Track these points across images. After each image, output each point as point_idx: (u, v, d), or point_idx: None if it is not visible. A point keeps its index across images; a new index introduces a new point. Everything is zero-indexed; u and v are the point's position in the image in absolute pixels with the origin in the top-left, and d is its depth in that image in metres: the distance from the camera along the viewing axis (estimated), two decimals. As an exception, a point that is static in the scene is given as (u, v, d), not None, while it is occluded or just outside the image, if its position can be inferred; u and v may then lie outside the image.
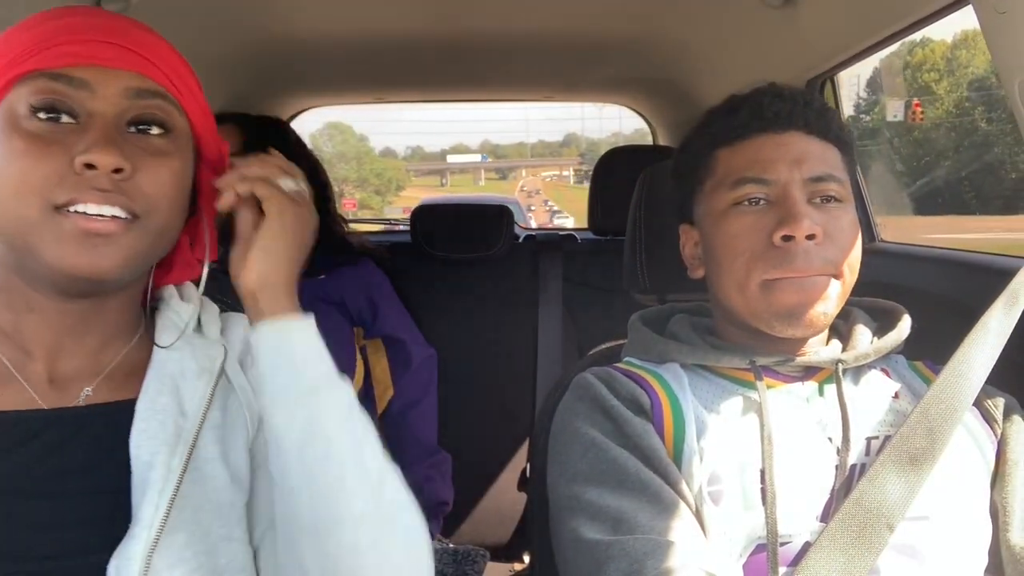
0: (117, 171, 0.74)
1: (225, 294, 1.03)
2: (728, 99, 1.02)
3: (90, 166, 0.73)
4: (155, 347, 0.84)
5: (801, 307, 0.91)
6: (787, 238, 0.90)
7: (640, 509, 0.85)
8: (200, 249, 0.91)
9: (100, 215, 0.74)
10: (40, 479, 0.75)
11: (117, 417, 0.79)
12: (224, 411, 0.82)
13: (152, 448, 0.76)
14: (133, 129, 0.78)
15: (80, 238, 0.74)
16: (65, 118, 0.75)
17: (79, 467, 0.77)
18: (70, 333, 0.82)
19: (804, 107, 0.97)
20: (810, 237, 0.90)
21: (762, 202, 0.94)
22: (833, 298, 0.93)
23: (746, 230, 0.93)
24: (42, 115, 0.75)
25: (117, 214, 0.75)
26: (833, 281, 0.92)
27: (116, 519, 0.74)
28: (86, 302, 0.81)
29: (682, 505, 0.86)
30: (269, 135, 1.81)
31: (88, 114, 0.76)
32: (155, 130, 0.79)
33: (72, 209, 0.74)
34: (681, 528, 0.84)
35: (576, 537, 0.87)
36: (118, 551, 0.72)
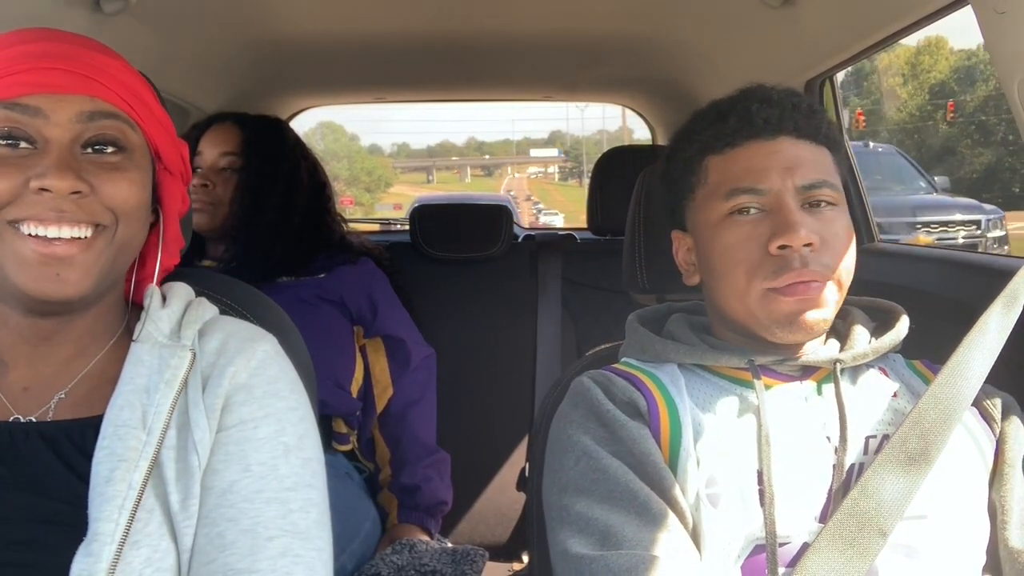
0: (75, 193, 0.77)
1: (226, 294, 1.03)
2: (714, 104, 1.01)
3: (46, 190, 0.76)
4: (127, 359, 0.84)
5: (800, 315, 0.92)
6: (784, 247, 0.91)
7: (627, 522, 0.85)
8: (167, 256, 0.93)
9: (59, 238, 0.77)
10: (12, 481, 0.77)
11: (83, 433, 0.80)
12: (180, 430, 0.81)
13: (111, 464, 0.77)
14: (89, 150, 0.81)
15: (41, 263, 0.77)
16: (23, 144, 0.78)
17: (47, 475, 0.78)
18: (46, 344, 0.84)
19: (793, 111, 0.96)
20: (807, 245, 0.91)
21: (755, 211, 0.94)
22: (831, 304, 0.93)
23: (742, 240, 0.94)
24: (0, 142, 0.78)
25: (76, 235, 0.78)
26: (830, 286, 0.92)
27: (82, 524, 0.75)
28: (60, 317, 0.83)
29: (671, 516, 0.86)
30: (268, 135, 1.82)
31: (44, 140, 0.78)
32: (110, 149, 0.82)
33: (29, 232, 0.76)
34: (668, 541, 0.84)
35: (564, 550, 0.87)
36: (80, 566, 0.72)
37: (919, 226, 8.74)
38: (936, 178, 10.56)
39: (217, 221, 1.73)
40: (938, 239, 8.65)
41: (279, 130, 1.87)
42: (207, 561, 0.77)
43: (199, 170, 1.75)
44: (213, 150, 1.76)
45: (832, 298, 0.93)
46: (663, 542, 0.84)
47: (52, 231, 0.77)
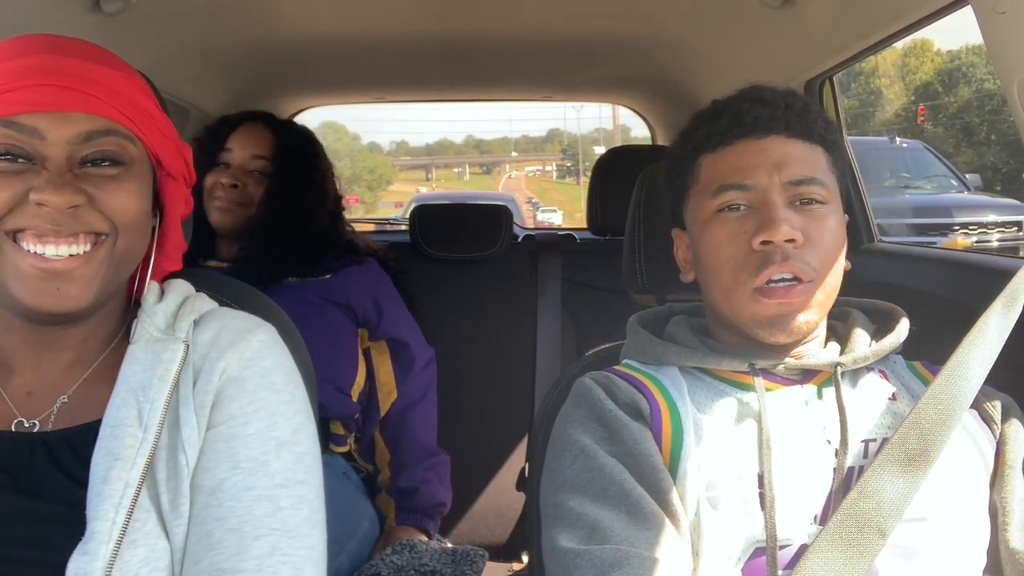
0: (73, 207, 0.77)
1: (226, 294, 1.03)
2: (711, 104, 1.03)
3: (43, 205, 0.76)
4: (124, 358, 0.84)
5: (781, 317, 0.92)
6: (766, 243, 0.91)
7: (617, 519, 0.85)
8: (167, 260, 0.93)
9: (57, 255, 0.77)
10: (13, 482, 0.78)
11: (83, 439, 0.80)
12: (171, 428, 0.81)
13: (107, 463, 0.76)
14: (88, 164, 0.80)
15: (40, 278, 0.77)
16: (21, 160, 0.78)
17: (47, 477, 0.79)
18: (49, 350, 0.84)
19: (785, 110, 0.97)
20: (789, 241, 0.91)
21: (743, 208, 0.95)
22: (815, 307, 0.93)
23: (728, 237, 0.94)
24: None
25: (74, 251, 0.78)
26: (814, 287, 0.93)
27: (81, 523, 0.75)
28: (62, 325, 0.83)
29: (662, 517, 0.86)
30: (300, 143, 1.84)
31: (42, 158, 0.78)
32: (107, 163, 0.81)
33: (28, 248, 0.76)
34: (655, 541, 0.84)
35: (552, 545, 0.87)
36: (76, 565, 0.72)
37: (956, 227, 8.17)
38: (967, 176, 10.06)
39: (239, 221, 1.74)
40: (977, 242, 8.00)
41: (311, 140, 1.89)
42: (195, 561, 0.76)
43: (226, 166, 1.76)
44: (244, 151, 1.77)
45: (815, 300, 0.93)
46: (651, 541, 0.83)
47: (50, 250, 0.77)
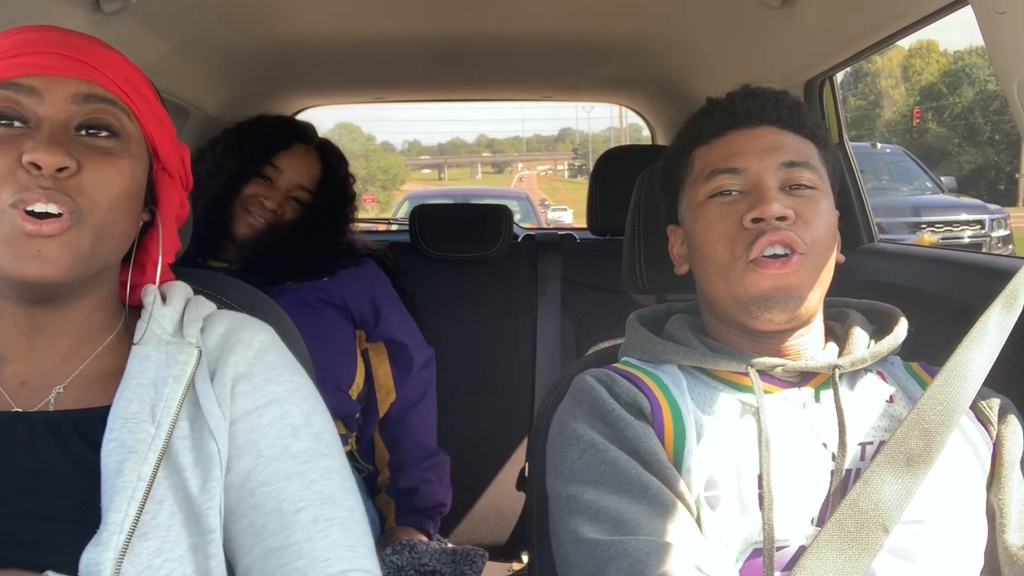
0: (61, 169, 0.77)
1: (225, 294, 1.03)
2: (707, 101, 1.05)
3: (35, 165, 0.76)
4: (131, 354, 0.84)
5: (777, 291, 0.92)
6: (757, 220, 0.92)
7: (640, 511, 0.85)
8: (165, 255, 0.92)
9: (46, 212, 0.76)
10: (14, 476, 0.77)
11: (90, 423, 0.80)
12: (192, 422, 0.82)
13: (120, 456, 0.77)
14: (83, 132, 0.81)
15: (23, 240, 0.76)
16: (17, 123, 0.79)
17: (50, 469, 0.78)
18: (42, 336, 0.84)
19: (776, 103, 0.99)
20: (781, 219, 0.92)
21: (735, 192, 0.96)
22: (808, 281, 0.93)
23: (721, 217, 0.96)
24: None
25: (53, 211, 0.77)
26: (808, 263, 0.93)
27: (86, 522, 0.75)
28: (52, 307, 0.83)
29: (681, 507, 0.86)
30: (340, 173, 1.88)
31: (38, 119, 0.79)
32: (103, 133, 0.82)
33: (16, 206, 0.76)
34: (681, 530, 0.84)
35: (577, 537, 0.87)
36: (89, 556, 0.73)
37: (924, 226, 9.01)
38: (943, 179, 10.82)
39: (261, 235, 1.75)
40: (943, 239, 8.86)
41: (347, 170, 1.92)
42: (246, 551, 0.79)
43: (269, 181, 1.77)
44: (292, 177, 1.79)
45: (809, 275, 0.93)
46: (677, 531, 0.84)
47: (39, 207, 0.76)
